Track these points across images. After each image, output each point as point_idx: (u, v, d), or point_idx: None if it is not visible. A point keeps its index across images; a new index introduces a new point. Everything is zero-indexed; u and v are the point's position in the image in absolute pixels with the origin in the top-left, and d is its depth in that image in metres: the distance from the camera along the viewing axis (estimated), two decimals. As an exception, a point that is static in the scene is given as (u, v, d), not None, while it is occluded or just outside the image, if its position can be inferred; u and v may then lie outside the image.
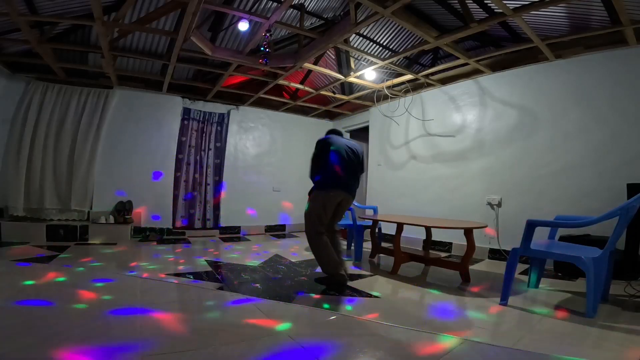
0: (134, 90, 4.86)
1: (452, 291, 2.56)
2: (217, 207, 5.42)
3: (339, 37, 3.26)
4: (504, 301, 2.20)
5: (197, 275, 2.84)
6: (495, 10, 2.95)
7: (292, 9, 3.42)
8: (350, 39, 3.83)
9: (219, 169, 5.47)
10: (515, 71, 3.77)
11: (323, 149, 2.82)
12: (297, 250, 4.11)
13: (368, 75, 4.32)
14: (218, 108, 5.47)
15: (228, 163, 5.54)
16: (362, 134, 6.07)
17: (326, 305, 2.19)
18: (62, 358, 1.37)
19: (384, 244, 4.02)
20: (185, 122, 5.21)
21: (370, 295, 2.43)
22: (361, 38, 3.98)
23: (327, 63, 4.62)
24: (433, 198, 4.50)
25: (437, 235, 4.13)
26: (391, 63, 3.88)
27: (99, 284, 2.45)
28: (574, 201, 3.20)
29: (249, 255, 3.81)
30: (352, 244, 4.03)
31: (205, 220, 5.30)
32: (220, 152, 5.49)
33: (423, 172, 4.68)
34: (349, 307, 2.17)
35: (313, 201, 2.76)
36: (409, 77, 4.33)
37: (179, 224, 5.13)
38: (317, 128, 5.99)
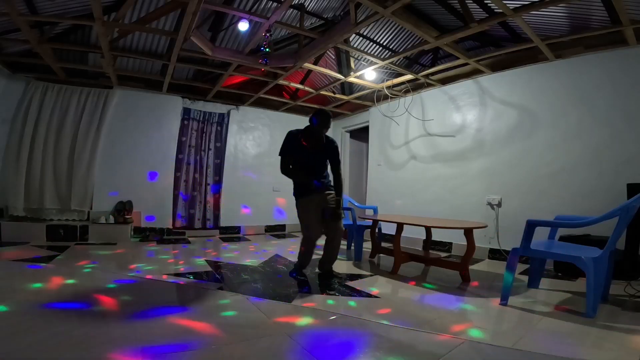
0: (134, 90, 4.86)
1: (452, 291, 2.56)
2: (217, 207, 5.42)
3: (339, 37, 3.26)
4: (504, 301, 2.20)
5: (197, 275, 2.84)
6: (495, 10, 2.95)
7: (292, 9, 3.42)
8: (350, 39, 3.83)
9: (219, 169, 5.47)
10: (515, 71, 3.77)
11: None
12: (297, 250, 4.10)
13: (368, 75, 4.32)
14: (218, 108, 5.47)
15: (228, 163, 5.54)
16: (362, 134, 6.07)
17: (327, 303, 2.19)
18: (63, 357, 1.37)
19: (384, 244, 4.02)
20: (185, 122, 5.21)
21: (370, 295, 2.43)
22: (361, 38, 3.98)
23: (327, 63, 4.62)
24: (433, 198, 4.50)
25: (437, 235, 4.13)
26: (391, 63, 3.88)
27: (100, 284, 2.45)
28: (574, 201, 3.20)
29: (248, 255, 3.81)
30: (352, 244, 4.03)
31: (205, 220, 5.30)
32: (220, 152, 5.49)
33: (423, 172, 4.68)
34: (349, 307, 2.17)
35: None
36: (409, 77, 4.33)
37: (178, 224, 5.13)
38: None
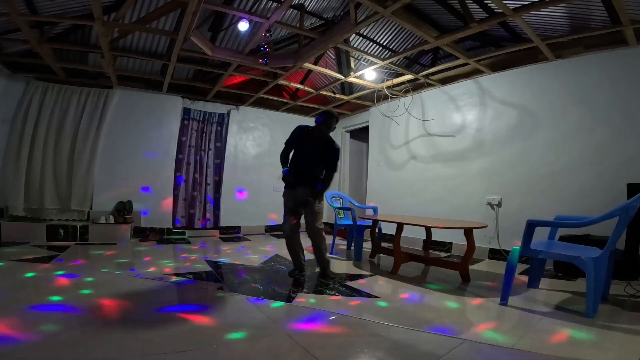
0: (134, 90, 4.86)
1: (452, 291, 2.56)
2: (217, 207, 5.42)
3: (339, 37, 3.26)
4: (504, 301, 2.20)
5: (197, 275, 2.84)
6: (495, 10, 2.95)
7: (292, 9, 3.42)
8: (350, 39, 3.83)
9: (219, 169, 5.47)
10: (515, 71, 3.76)
11: None
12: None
13: (368, 75, 4.32)
14: (218, 108, 5.47)
15: (228, 163, 5.54)
16: (362, 134, 6.07)
17: (328, 303, 2.19)
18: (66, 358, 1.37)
19: (384, 244, 4.02)
20: (185, 122, 5.21)
21: (370, 295, 2.43)
22: (361, 38, 3.98)
23: (327, 63, 4.62)
24: (433, 198, 4.50)
25: (437, 235, 4.13)
26: (391, 63, 3.88)
27: (100, 284, 2.45)
28: (574, 201, 3.20)
29: (249, 255, 3.81)
30: (352, 244, 4.03)
31: (205, 220, 5.30)
32: (220, 152, 5.49)
33: (423, 172, 4.68)
34: (349, 307, 2.17)
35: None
36: (409, 77, 4.33)
37: (178, 223, 5.13)
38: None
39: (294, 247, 2.88)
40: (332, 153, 2.81)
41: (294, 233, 2.86)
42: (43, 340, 1.51)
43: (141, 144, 4.89)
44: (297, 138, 2.87)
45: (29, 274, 2.61)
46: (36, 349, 1.43)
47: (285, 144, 2.93)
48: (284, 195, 2.92)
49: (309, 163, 2.83)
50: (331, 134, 2.88)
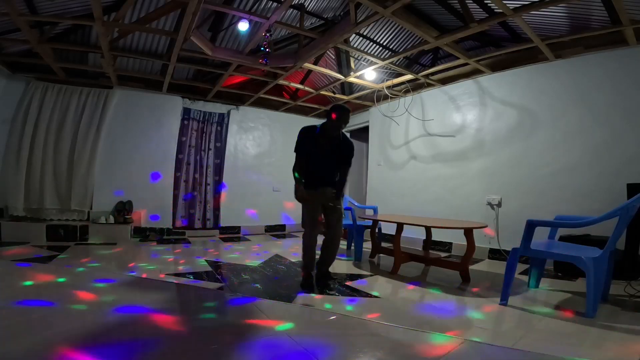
0: (134, 90, 4.86)
1: (452, 291, 2.56)
2: (217, 207, 5.42)
3: (339, 37, 3.26)
4: (504, 301, 2.20)
5: (197, 275, 2.84)
6: (495, 10, 2.95)
7: (292, 9, 3.42)
8: (350, 39, 3.83)
9: (219, 169, 5.47)
10: (515, 71, 3.76)
11: None
12: (297, 250, 4.10)
13: (368, 75, 4.32)
14: (218, 108, 5.47)
15: (228, 163, 5.54)
16: (362, 134, 6.07)
17: (326, 305, 2.19)
18: (63, 358, 1.37)
19: (384, 244, 4.01)
20: (185, 122, 5.21)
21: (370, 295, 2.43)
22: (361, 38, 3.98)
23: (327, 63, 4.62)
24: (433, 198, 4.50)
25: (437, 235, 4.13)
26: (391, 63, 3.88)
27: (99, 285, 2.45)
28: (574, 201, 3.20)
29: (249, 255, 3.81)
30: (352, 244, 4.03)
31: (205, 220, 5.30)
32: (220, 152, 5.49)
33: (423, 172, 4.68)
34: (349, 307, 2.17)
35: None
36: (409, 77, 4.33)
37: (179, 224, 5.13)
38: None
39: (314, 251, 2.71)
40: (349, 148, 2.70)
41: (317, 235, 2.72)
42: (41, 339, 1.50)
43: (141, 144, 4.89)
44: (310, 140, 2.62)
45: (29, 282, 2.60)
46: (34, 346, 1.43)
47: (298, 152, 2.62)
48: (304, 199, 2.62)
49: (329, 168, 2.69)
50: None
